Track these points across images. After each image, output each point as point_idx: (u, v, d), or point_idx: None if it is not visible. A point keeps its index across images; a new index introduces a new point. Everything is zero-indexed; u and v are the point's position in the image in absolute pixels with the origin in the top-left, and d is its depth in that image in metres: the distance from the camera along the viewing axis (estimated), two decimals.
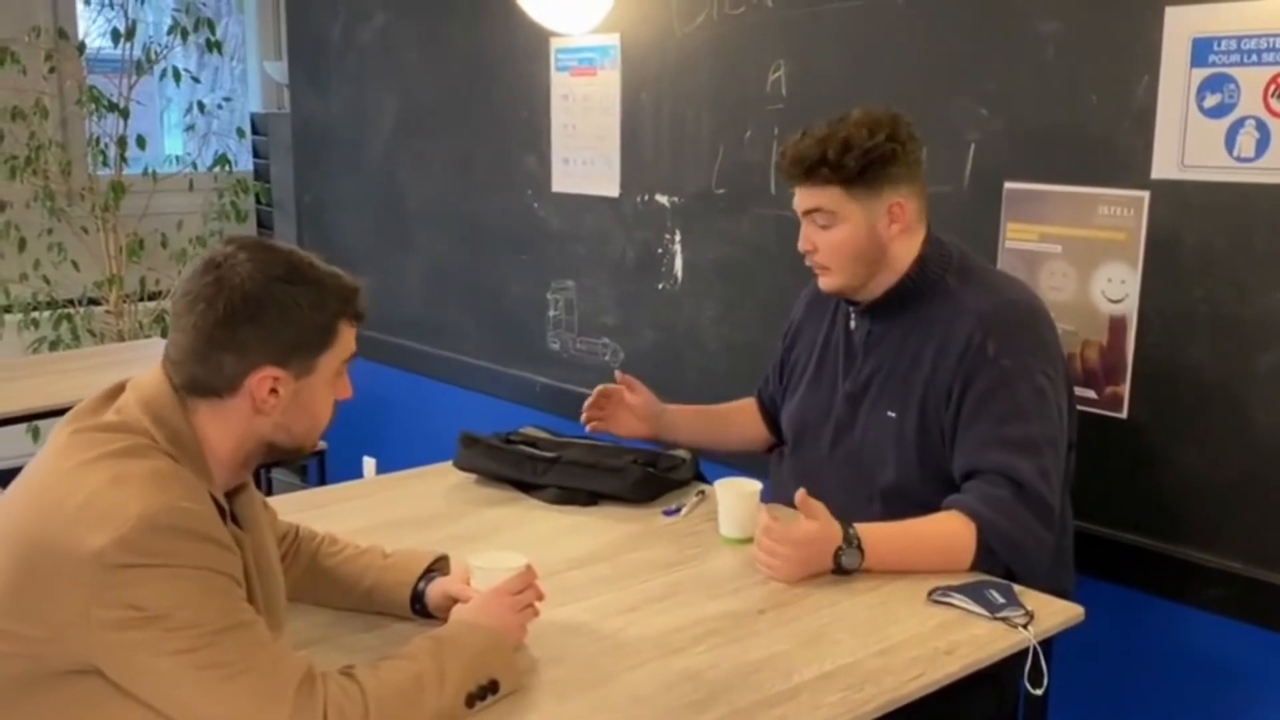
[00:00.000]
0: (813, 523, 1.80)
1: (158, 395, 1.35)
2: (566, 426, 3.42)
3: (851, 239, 1.95)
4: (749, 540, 1.96)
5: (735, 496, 1.97)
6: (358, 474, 4.33)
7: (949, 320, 1.94)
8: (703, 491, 2.18)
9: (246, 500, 1.46)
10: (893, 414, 1.98)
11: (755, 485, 1.98)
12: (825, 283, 2.02)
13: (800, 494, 1.81)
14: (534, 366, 3.51)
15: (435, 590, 1.64)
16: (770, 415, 2.32)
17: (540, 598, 1.57)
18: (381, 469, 4.27)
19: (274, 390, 1.35)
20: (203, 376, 1.34)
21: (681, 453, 2.28)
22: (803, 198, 1.97)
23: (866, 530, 1.83)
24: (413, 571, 1.66)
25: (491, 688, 1.41)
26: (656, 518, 2.10)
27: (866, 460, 2.02)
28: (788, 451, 2.19)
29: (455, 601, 1.58)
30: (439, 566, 1.69)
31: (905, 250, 1.98)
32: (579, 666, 1.53)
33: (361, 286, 1.41)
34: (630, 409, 2.26)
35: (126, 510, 1.22)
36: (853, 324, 2.07)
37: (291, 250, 1.39)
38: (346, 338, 1.40)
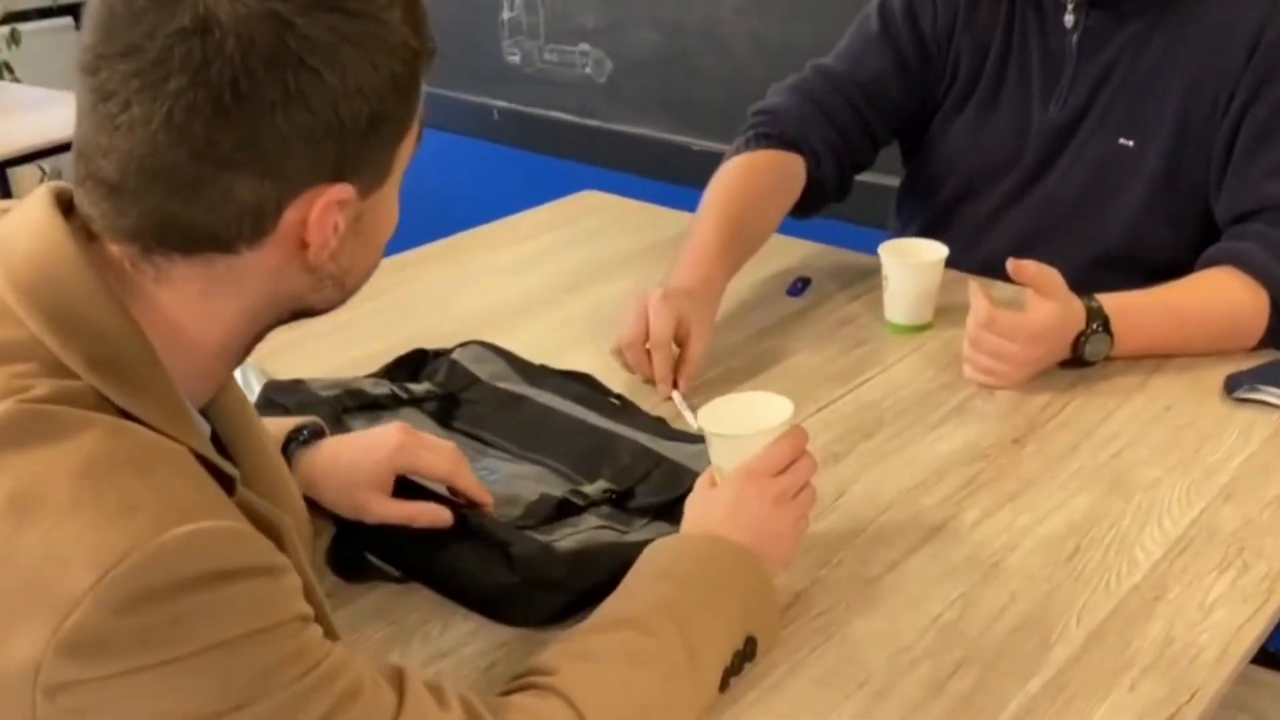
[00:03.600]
0: (1049, 304, 1.28)
1: (57, 270, 0.68)
2: (539, 166, 2.78)
3: None
4: (927, 326, 1.44)
5: (915, 270, 1.42)
6: None
7: (1221, 7, 1.37)
8: None
9: (230, 404, 0.82)
10: (1129, 142, 1.43)
11: (940, 250, 1.43)
12: None
13: (1025, 265, 1.27)
14: (488, 87, 2.82)
15: (311, 460, 1.03)
16: (836, 165, 1.56)
17: (814, 467, 0.98)
18: None
19: (336, 223, 0.71)
20: (194, 219, 0.67)
21: (680, 450, 1.14)
22: None
23: (1114, 306, 1.32)
24: (276, 428, 1.03)
25: (748, 652, 0.89)
26: (779, 300, 1.55)
27: (1076, 212, 1.48)
28: (933, 207, 1.63)
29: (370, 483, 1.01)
30: (309, 426, 1.06)
31: None
32: (831, 576, 1.02)
33: None
34: None
35: (66, 587, 0.60)
36: (1068, 18, 1.46)
37: None
38: (420, 94, 0.74)
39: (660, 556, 0.91)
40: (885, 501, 1.11)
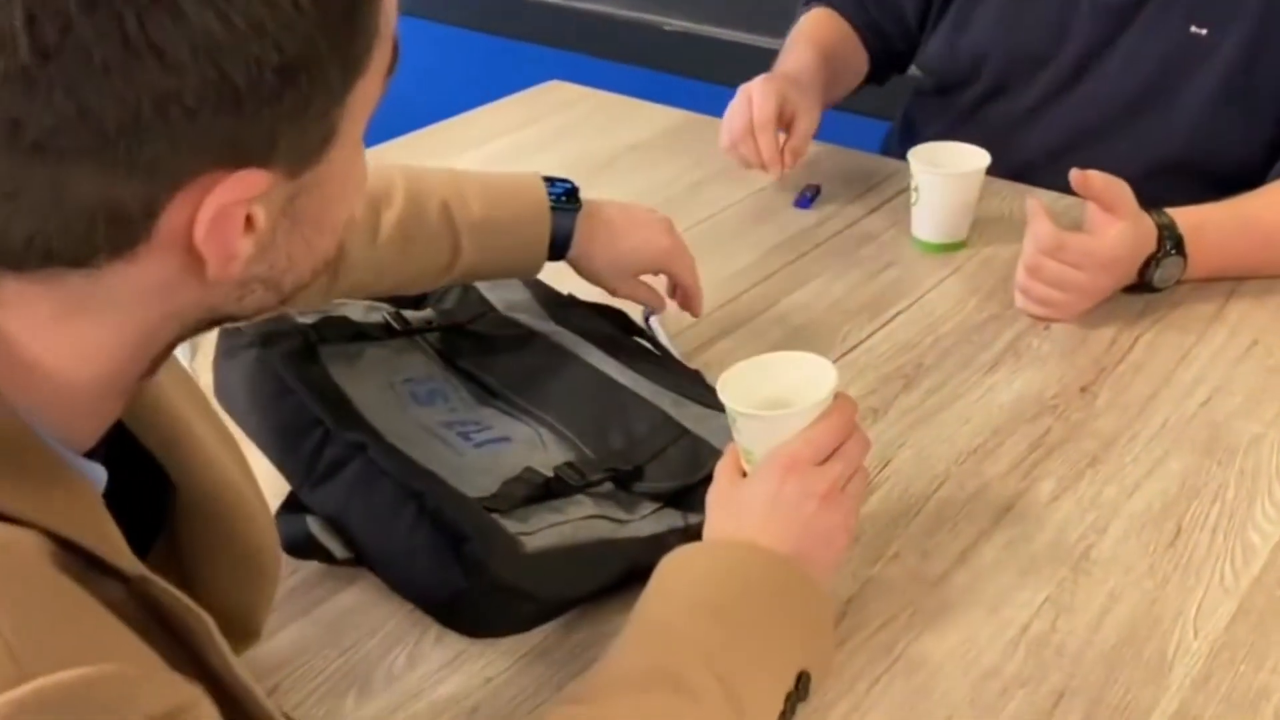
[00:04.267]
0: (1120, 225, 1.08)
1: None
2: (489, 50, 2.50)
3: None
4: (961, 245, 1.24)
5: (953, 181, 1.21)
6: None
7: None
8: None
9: (149, 401, 0.60)
10: (1201, 29, 1.22)
11: (980, 158, 1.22)
12: None
13: (1092, 176, 1.07)
14: None
15: (592, 232, 1.02)
16: (876, 37, 1.47)
17: (867, 448, 0.78)
18: None
19: (249, 221, 0.48)
20: (16, 228, 0.44)
21: (709, 423, 0.91)
22: None
23: (1188, 223, 1.12)
24: (534, 191, 1.00)
25: (802, 692, 0.70)
26: (786, 212, 1.34)
27: (1131, 111, 1.27)
28: (956, 104, 1.41)
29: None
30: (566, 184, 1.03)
31: None
32: (886, 574, 0.83)
33: None
34: None
35: None
36: None
37: None
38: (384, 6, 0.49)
39: (685, 578, 0.71)
40: (939, 471, 0.93)
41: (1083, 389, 1.02)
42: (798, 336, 1.10)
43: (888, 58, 1.48)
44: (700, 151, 1.45)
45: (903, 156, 1.32)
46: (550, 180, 1.01)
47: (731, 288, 1.17)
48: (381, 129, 1.59)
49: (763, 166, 1.26)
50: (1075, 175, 1.06)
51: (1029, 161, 1.34)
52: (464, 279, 1.01)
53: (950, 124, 1.40)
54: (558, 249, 1.01)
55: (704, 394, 0.95)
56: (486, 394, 0.97)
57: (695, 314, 1.09)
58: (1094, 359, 1.06)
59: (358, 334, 0.99)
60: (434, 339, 1.02)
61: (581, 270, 1.04)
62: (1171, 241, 1.11)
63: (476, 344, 1.02)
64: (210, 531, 0.64)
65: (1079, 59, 1.30)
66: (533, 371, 0.98)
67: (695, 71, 2.19)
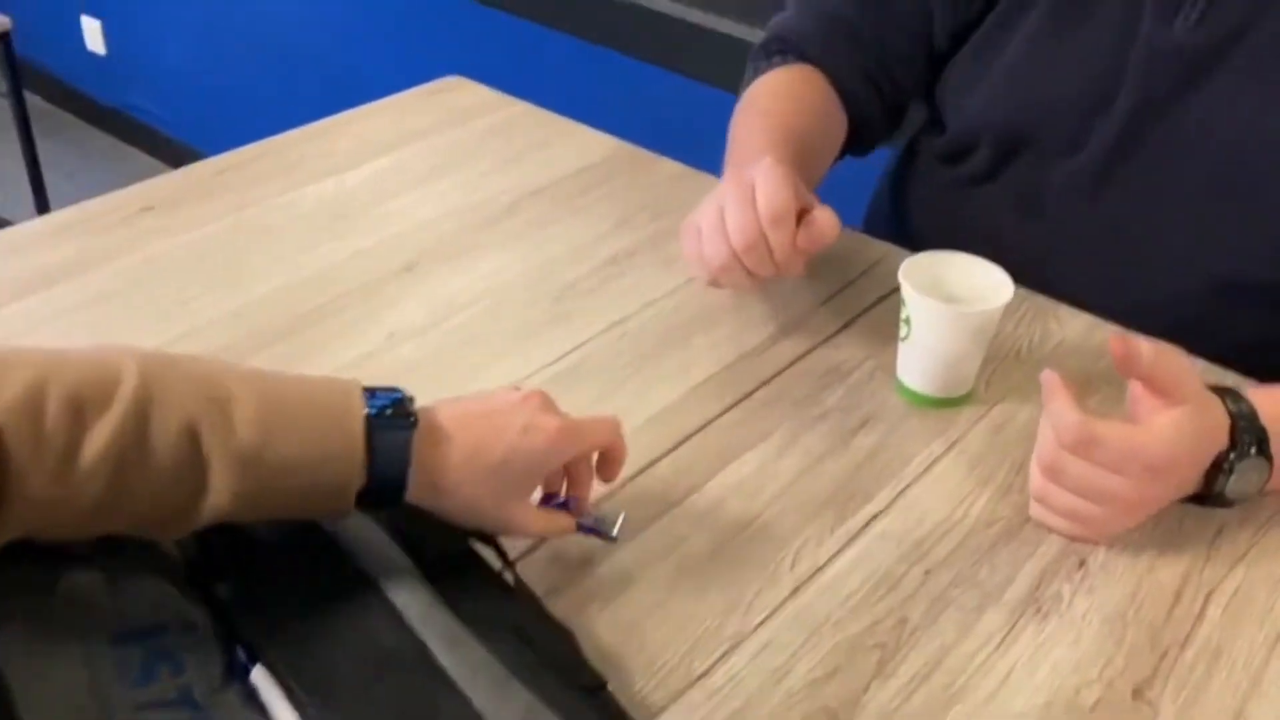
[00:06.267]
0: (1175, 412, 0.75)
1: None
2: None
3: None
4: (961, 400, 0.90)
5: (965, 321, 0.85)
6: (75, 42, 2.98)
7: None
8: None
9: None
10: None
11: (1003, 287, 0.86)
12: None
13: (1137, 344, 0.74)
14: None
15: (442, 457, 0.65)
16: (861, 102, 1.08)
17: None
18: (111, 35, 2.90)
19: None
20: None
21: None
22: None
23: (1270, 410, 0.79)
24: (340, 405, 0.63)
25: None
26: (732, 314, 0.98)
27: (1204, 197, 0.94)
28: (954, 180, 1.07)
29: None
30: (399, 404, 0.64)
31: None
32: None
33: None
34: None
35: None
36: None
37: None
38: None
39: None
40: None
41: (1135, 693, 0.69)
42: (724, 554, 0.75)
43: (884, 119, 1.10)
44: (625, 206, 1.10)
45: (891, 229, 0.98)
46: (371, 391, 0.64)
47: (636, 454, 0.82)
48: (233, 130, 1.22)
49: (774, 272, 0.85)
50: (1115, 343, 0.74)
51: (1054, 264, 1.00)
52: (223, 521, 0.63)
53: (941, 204, 1.06)
54: (385, 488, 0.64)
55: (565, 692, 0.60)
56: (238, 647, 0.63)
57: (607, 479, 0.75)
58: (1149, 631, 0.73)
59: (57, 552, 0.64)
60: (187, 540, 0.68)
61: (448, 516, 0.68)
62: (1251, 437, 0.78)
63: (245, 549, 0.67)
64: None
65: (1127, 122, 0.95)
66: (310, 607, 0.64)
67: (644, 51, 1.84)
